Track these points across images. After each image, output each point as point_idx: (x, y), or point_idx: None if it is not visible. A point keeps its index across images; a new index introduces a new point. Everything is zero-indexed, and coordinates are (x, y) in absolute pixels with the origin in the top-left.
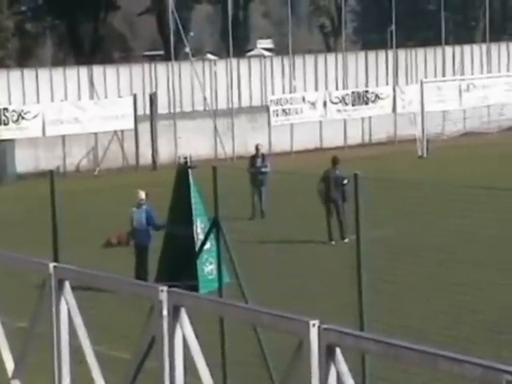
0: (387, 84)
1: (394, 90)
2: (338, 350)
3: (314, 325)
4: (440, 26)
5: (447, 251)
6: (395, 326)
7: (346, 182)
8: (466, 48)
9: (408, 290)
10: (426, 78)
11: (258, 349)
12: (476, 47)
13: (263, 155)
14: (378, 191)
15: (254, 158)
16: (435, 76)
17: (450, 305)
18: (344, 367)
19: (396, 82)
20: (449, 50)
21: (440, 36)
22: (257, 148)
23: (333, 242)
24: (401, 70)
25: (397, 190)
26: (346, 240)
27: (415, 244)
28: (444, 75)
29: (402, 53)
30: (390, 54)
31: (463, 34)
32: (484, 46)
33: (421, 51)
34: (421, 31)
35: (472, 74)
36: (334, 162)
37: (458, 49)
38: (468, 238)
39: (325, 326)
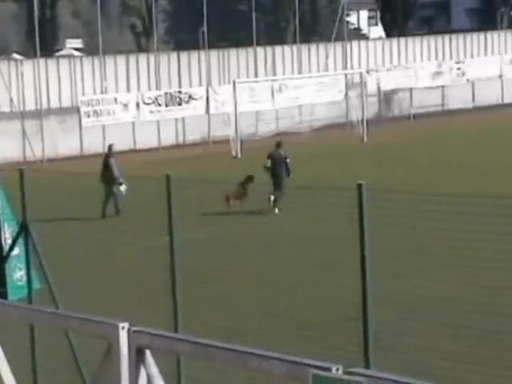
0: (200, 85)
1: (207, 91)
2: (147, 352)
3: (123, 327)
4: (251, 26)
5: (264, 251)
6: (213, 326)
7: (288, 160)
8: (278, 49)
9: (226, 291)
10: (238, 78)
11: (70, 354)
12: (287, 48)
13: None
14: (193, 192)
15: (107, 157)
16: (248, 76)
17: (271, 305)
18: (154, 369)
19: (209, 83)
20: (260, 50)
21: (252, 37)
22: (110, 148)
23: (276, 210)
24: (214, 70)
25: (212, 190)
26: (277, 210)
27: (233, 245)
28: (256, 76)
29: (214, 53)
30: (203, 54)
31: (274, 35)
32: (295, 47)
33: (233, 52)
34: (233, 32)
35: (284, 74)
36: (278, 145)
37: (269, 50)
38: (285, 237)
39: (135, 328)
